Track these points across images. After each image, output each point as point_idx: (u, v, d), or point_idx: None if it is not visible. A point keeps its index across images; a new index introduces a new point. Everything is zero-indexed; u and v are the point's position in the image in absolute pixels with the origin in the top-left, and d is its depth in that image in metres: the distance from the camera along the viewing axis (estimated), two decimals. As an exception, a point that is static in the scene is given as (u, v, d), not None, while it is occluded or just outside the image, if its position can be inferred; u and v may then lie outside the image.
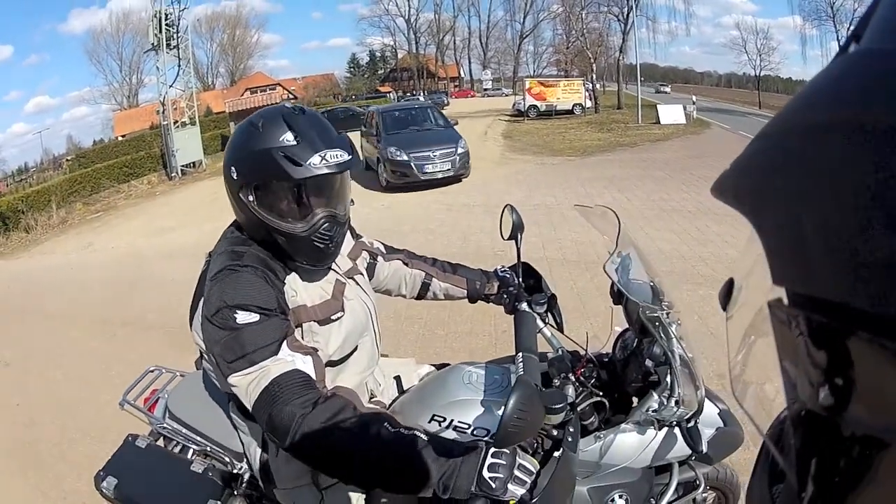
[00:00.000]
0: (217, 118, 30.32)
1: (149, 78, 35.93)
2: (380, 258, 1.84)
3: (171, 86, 20.82)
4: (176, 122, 20.09)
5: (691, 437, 1.40)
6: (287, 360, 1.25)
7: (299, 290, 1.41)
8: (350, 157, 1.37)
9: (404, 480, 1.19)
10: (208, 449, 1.75)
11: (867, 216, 0.25)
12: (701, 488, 1.66)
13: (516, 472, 1.16)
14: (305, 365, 1.26)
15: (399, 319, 4.71)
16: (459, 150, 11.56)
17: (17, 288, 8.55)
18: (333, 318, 1.46)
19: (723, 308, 0.43)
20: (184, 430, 1.78)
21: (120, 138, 33.42)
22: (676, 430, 1.46)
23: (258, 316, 1.26)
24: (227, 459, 1.72)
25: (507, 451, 1.18)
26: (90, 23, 48.65)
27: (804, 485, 0.32)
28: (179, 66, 21.45)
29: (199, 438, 1.76)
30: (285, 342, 1.27)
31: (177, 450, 1.81)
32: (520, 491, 1.15)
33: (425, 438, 1.20)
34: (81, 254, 10.46)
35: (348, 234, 1.62)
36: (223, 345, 1.26)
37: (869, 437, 0.27)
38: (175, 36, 21.02)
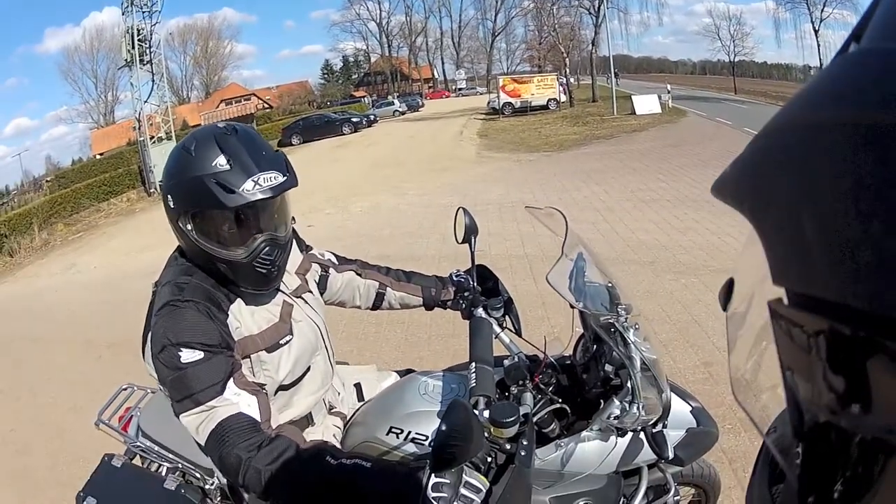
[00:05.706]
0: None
1: (124, 94, 35.41)
2: (332, 270, 1.81)
3: (145, 101, 20.74)
4: (152, 137, 20.01)
5: (656, 442, 1.37)
6: (233, 400, 1.25)
7: (244, 320, 1.40)
8: (285, 177, 1.33)
9: None
10: (180, 465, 1.78)
11: (867, 216, 0.25)
12: (672, 492, 1.62)
13: (463, 491, 1.14)
14: (251, 407, 1.26)
15: (381, 325, 4.76)
16: None
17: (4, 313, 8.52)
18: (282, 342, 1.44)
19: (723, 308, 0.43)
20: (156, 448, 1.82)
21: (98, 156, 33.10)
22: (641, 434, 1.43)
23: (202, 353, 1.25)
24: (199, 475, 1.75)
25: (453, 470, 1.15)
26: (65, 42, 47.90)
27: (807, 488, 0.32)
28: (153, 80, 21.36)
29: (170, 456, 1.79)
30: (231, 380, 1.27)
31: (153, 467, 1.84)
32: None
33: (367, 465, 1.21)
34: (65, 276, 10.42)
35: (296, 247, 1.62)
36: (170, 384, 1.27)
37: (877, 441, 0.27)
38: (148, 51, 20.93)
